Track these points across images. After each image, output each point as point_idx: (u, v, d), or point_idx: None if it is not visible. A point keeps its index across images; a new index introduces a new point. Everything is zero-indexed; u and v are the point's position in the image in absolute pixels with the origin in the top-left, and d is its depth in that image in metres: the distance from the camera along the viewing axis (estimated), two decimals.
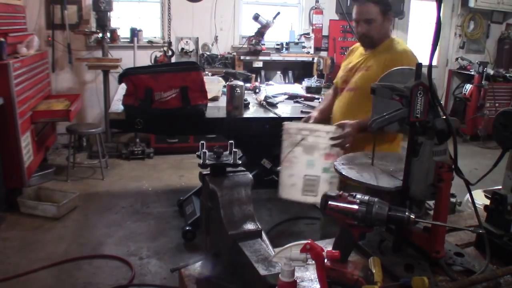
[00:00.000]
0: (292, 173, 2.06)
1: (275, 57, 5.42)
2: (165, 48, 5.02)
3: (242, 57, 5.26)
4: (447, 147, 1.20)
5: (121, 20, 5.25)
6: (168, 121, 2.60)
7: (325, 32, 5.92)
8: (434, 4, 1.14)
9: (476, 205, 1.25)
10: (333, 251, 0.99)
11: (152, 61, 4.95)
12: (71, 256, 2.84)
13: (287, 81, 5.59)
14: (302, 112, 2.89)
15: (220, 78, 3.48)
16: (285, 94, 3.34)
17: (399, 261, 1.17)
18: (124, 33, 5.14)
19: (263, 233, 1.17)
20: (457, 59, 6.71)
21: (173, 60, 5.01)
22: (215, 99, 3.05)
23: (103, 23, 4.60)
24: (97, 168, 4.39)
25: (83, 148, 5.01)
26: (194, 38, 5.34)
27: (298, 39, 5.65)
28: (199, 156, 1.28)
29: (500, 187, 1.39)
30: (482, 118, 6.06)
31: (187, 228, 3.08)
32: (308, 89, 3.57)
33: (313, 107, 2.98)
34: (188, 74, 2.56)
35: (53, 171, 4.24)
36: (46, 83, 4.48)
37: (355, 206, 1.09)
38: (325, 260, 0.98)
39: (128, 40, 5.15)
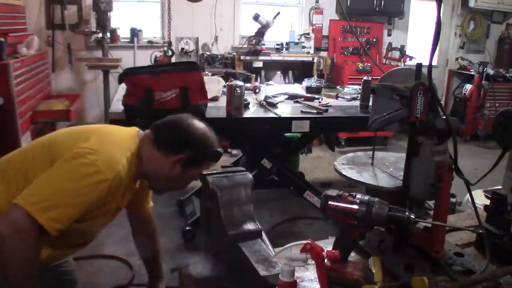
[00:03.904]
0: None
1: (275, 57, 5.41)
2: (165, 48, 5.02)
3: (242, 57, 5.26)
4: (447, 147, 1.20)
5: (121, 20, 5.24)
6: None
7: (325, 32, 5.91)
8: (434, 4, 1.14)
9: (476, 205, 1.25)
10: (333, 251, 0.99)
11: (152, 61, 4.95)
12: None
13: (287, 81, 5.58)
14: (302, 112, 2.89)
15: (220, 78, 3.47)
16: (285, 94, 3.33)
17: (399, 261, 1.18)
18: (124, 33, 5.14)
19: (263, 233, 1.17)
20: (457, 59, 6.70)
21: (173, 60, 5.01)
22: (215, 99, 3.05)
23: (103, 23, 4.60)
24: None
25: None
26: (194, 38, 5.34)
27: (298, 39, 5.64)
28: None
29: (500, 187, 1.39)
30: (482, 118, 6.05)
31: (187, 228, 3.08)
32: (308, 89, 3.56)
33: (313, 107, 2.98)
34: (188, 74, 2.56)
35: None
36: (46, 83, 4.48)
37: (355, 206, 1.09)
38: (325, 260, 0.98)
39: (128, 40, 5.15)
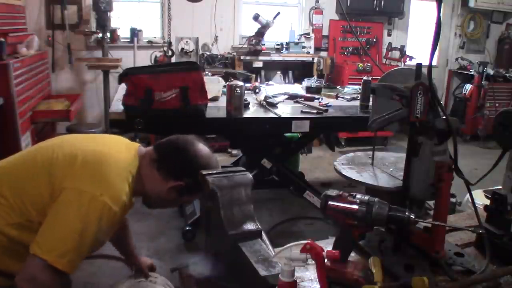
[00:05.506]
0: None
1: (275, 57, 5.41)
2: (165, 48, 5.02)
3: (242, 57, 5.25)
4: (447, 147, 1.20)
5: (121, 20, 5.24)
6: (168, 121, 2.60)
7: (325, 32, 5.92)
8: (434, 4, 1.14)
9: (476, 205, 1.25)
10: (333, 251, 0.99)
11: (152, 61, 4.95)
12: None
13: (287, 81, 5.58)
14: (302, 112, 2.89)
15: (220, 78, 3.47)
16: (285, 94, 3.33)
17: (399, 261, 1.18)
18: (124, 33, 5.14)
19: (263, 233, 1.17)
20: (457, 59, 6.70)
21: (173, 60, 5.01)
22: (215, 99, 3.05)
23: (103, 23, 4.60)
24: None
25: None
26: (194, 38, 5.33)
27: (298, 39, 5.64)
28: None
29: (500, 187, 1.39)
30: (482, 118, 6.05)
31: (187, 228, 3.08)
32: (308, 89, 3.56)
33: (313, 107, 2.98)
34: (188, 74, 2.56)
35: None
36: (46, 83, 4.47)
37: (355, 206, 1.09)
38: (325, 260, 0.98)
39: (128, 40, 5.15)
